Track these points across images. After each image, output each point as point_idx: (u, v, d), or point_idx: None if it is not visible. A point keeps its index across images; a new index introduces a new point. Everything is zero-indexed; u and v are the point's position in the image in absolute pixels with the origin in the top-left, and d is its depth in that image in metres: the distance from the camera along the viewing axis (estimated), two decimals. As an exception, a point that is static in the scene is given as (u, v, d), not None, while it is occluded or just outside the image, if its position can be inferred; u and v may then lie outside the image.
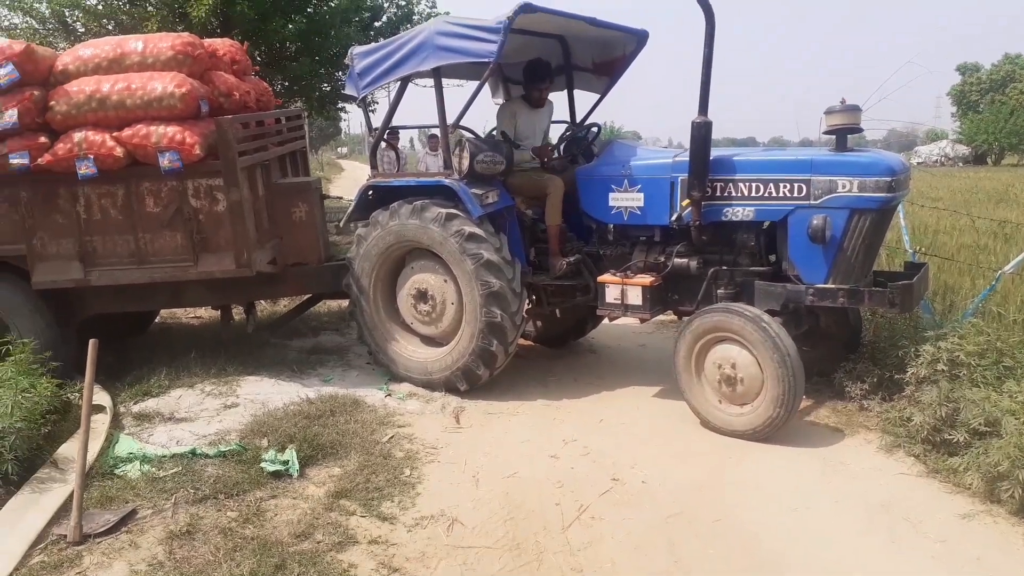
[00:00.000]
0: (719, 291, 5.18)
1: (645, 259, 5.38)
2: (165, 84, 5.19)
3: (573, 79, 6.48)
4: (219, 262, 5.46)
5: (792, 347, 4.49)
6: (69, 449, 4.38)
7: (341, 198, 9.03)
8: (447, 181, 5.42)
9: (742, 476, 4.26)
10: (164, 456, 4.41)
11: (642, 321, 5.67)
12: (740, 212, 5.03)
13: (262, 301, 7.54)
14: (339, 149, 69.85)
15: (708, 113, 4.90)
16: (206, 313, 8.00)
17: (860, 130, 4.96)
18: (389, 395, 5.62)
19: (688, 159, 4.98)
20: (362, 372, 6.16)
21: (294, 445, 4.48)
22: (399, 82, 5.77)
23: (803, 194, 4.80)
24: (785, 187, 4.86)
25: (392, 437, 4.80)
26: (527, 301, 5.71)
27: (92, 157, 5.18)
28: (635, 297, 5.20)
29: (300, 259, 6.10)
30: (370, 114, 6.27)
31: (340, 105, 15.70)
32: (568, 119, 6.61)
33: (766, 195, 4.92)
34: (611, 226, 5.65)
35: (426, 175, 6.22)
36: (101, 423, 4.73)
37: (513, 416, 5.26)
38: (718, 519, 3.81)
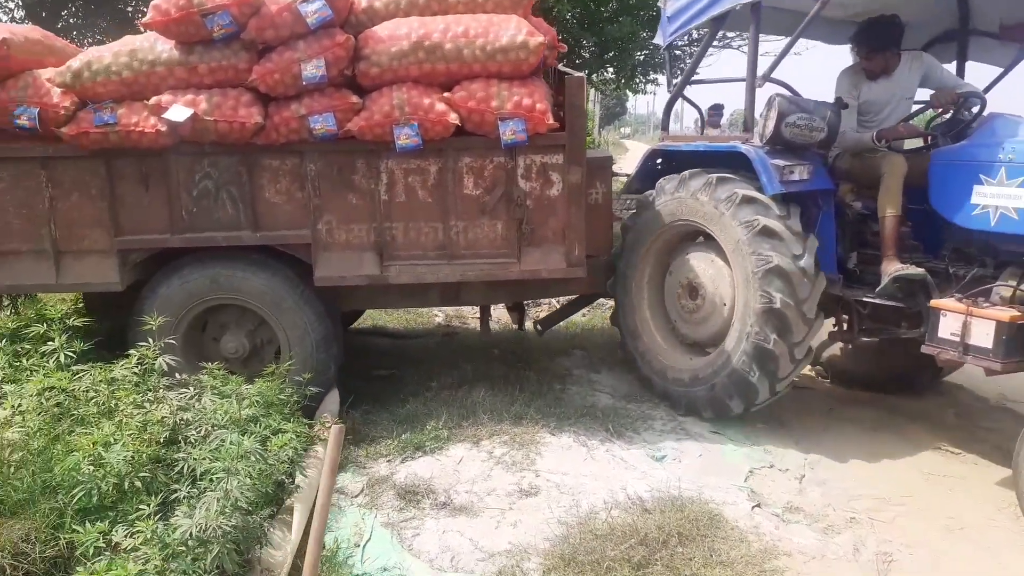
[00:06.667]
0: None
1: (1016, 287, 3.70)
2: (512, 31, 3.92)
3: (967, 46, 4.88)
4: (545, 259, 4.33)
5: None
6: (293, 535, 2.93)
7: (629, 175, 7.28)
8: (742, 147, 4.32)
9: None
10: (431, 591, 2.82)
11: (988, 373, 3.74)
12: None
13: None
14: (622, 129, 68.60)
15: None
16: (506, 316, 6.47)
17: None
18: (758, 505, 3.64)
19: None
20: (705, 447, 4.23)
21: (631, 614, 2.68)
22: (710, 27, 4.89)
23: None
24: None
25: (790, 617, 2.82)
26: (833, 322, 4.61)
27: (416, 124, 3.94)
28: (983, 336, 3.61)
29: (593, 250, 4.71)
30: (674, 68, 5.41)
31: (652, 76, 13.78)
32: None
33: None
34: (970, 233, 3.99)
35: (719, 139, 5.00)
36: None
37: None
38: None
